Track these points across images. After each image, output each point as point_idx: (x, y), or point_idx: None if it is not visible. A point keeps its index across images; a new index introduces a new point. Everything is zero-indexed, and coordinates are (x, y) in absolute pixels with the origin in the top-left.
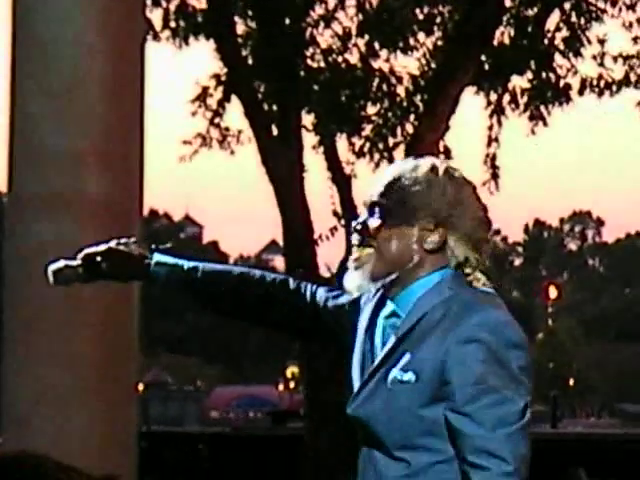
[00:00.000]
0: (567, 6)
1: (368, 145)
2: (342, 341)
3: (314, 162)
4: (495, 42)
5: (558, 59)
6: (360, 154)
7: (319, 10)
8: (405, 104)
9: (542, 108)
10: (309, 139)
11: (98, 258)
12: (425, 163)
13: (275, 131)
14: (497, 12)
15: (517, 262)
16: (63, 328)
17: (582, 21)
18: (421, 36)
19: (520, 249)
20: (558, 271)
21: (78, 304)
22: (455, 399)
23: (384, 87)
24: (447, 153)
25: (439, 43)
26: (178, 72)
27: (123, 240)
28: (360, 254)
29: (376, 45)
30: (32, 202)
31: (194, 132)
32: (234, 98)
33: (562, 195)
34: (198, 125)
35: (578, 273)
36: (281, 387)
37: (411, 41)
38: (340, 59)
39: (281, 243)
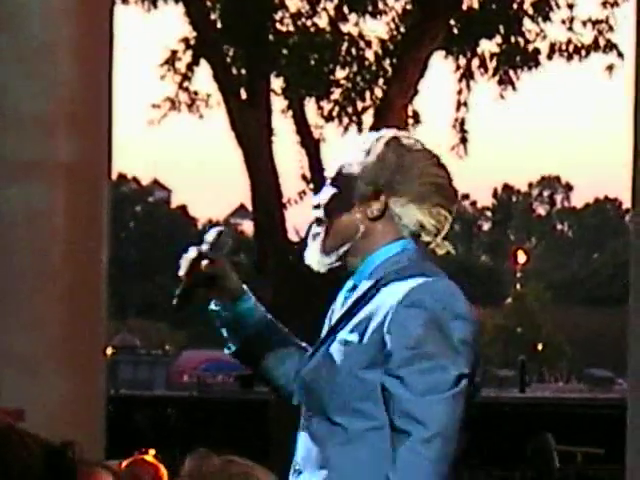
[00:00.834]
0: None
1: (337, 109)
2: None
3: (283, 126)
4: (464, 6)
5: (527, 23)
6: (329, 118)
7: None
8: (374, 68)
9: (511, 72)
10: (278, 103)
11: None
12: (375, 134)
13: (244, 95)
14: None
15: (486, 227)
16: (32, 293)
17: None
18: (390, 0)
19: (489, 213)
20: (527, 236)
21: (47, 269)
22: (391, 360)
23: (353, 51)
24: (416, 117)
25: (408, 7)
26: (147, 36)
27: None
28: (317, 230)
29: (345, 9)
30: (1, 168)
31: (163, 96)
32: (203, 62)
33: (531, 160)
34: (167, 89)
35: (547, 238)
36: None
37: (380, 5)
38: (309, 23)
39: (250, 207)
